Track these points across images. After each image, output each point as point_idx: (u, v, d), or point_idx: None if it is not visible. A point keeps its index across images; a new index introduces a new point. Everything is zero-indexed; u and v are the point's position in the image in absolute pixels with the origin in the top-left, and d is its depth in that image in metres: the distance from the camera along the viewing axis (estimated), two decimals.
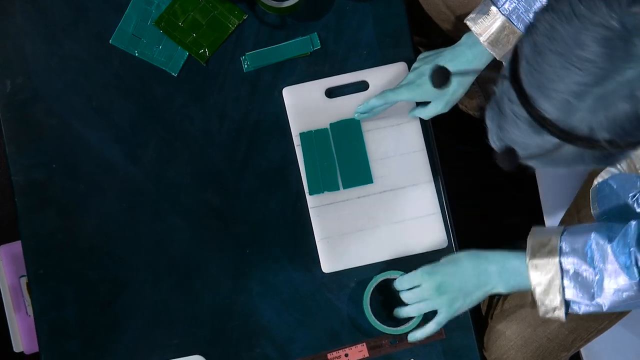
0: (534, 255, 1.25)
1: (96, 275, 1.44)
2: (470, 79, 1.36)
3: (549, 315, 1.27)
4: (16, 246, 1.73)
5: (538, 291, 1.26)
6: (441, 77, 0.93)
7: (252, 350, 1.43)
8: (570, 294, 1.24)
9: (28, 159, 1.45)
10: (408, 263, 1.43)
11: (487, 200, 1.78)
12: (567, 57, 0.88)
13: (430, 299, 1.34)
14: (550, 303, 1.25)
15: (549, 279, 1.24)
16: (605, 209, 1.34)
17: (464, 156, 1.96)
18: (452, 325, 1.42)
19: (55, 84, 1.46)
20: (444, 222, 1.44)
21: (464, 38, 1.37)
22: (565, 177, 1.60)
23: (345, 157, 1.44)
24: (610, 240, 1.22)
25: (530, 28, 0.92)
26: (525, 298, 1.47)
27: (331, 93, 1.46)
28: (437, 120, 1.50)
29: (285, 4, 1.43)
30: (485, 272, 1.30)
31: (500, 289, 1.31)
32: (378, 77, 1.45)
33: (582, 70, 0.87)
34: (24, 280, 1.74)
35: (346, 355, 1.42)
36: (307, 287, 1.43)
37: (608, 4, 0.87)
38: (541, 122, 0.91)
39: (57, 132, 1.46)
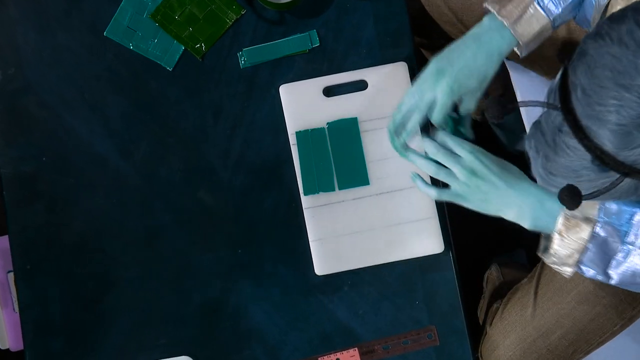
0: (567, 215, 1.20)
1: (84, 271, 1.41)
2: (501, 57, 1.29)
3: (555, 266, 1.23)
4: (4, 241, 1.70)
5: (557, 241, 1.21)
6: (499, 110, 0.92)
7: (242, 352, 1.40)
8: (587, 257, 1.20)
9: (17, 152, 1.43)
10: (403, 267, 1.41)
11: None
12: (629, 89, 0.85)
13: (454, 174, 1.29)
14: (566, 259, 1.21)
15: (575, 238, 1.19)
16: None
17: None
18: (447, 331, 1.39)
19: (47, 75, 1.44)
20: (440, 226, 1.41)
21: (486, 21, 1.29)
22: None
23: (341, 157, 1.42)
24: None
25: (583, 55, 0.89)
26: (526, 307, 1.45)
27: (329, 92, 1.43)
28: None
29: (285, 0, 1.41)
30: (519, 197, 1.25)
31: (525, 223, 1.25)
32: (377, 76, 1.43)
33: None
34: (11, 276, 1.71)
35: (337, 359, 1.40)
36: (299, 289, 1.41)
37: None
38: (599, 156, 0.88)
39: (48, 125, 1.43)
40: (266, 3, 1.42)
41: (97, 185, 1.42)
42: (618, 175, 0.90)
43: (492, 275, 1.69)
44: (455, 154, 1.29)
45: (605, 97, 0.86)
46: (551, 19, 1.25)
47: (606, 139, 0.87)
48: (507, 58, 1.55)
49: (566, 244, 1.20)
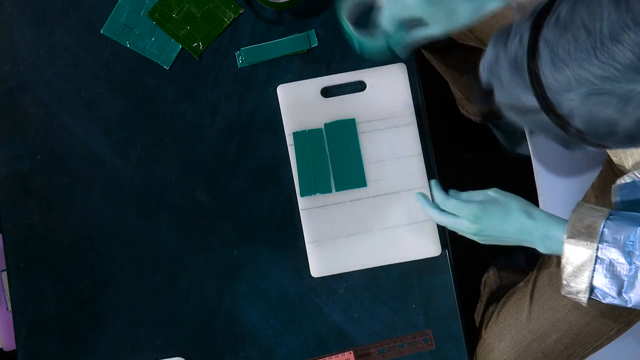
0: (572, 235, 1.21)
1: (78, 271, 1.40)
2: (486, 9, 1.22)
3: (571, 296, 1.23)
4: None
5: (567, 271, 1.21)
6: (486, 97, 0.92)
7: (237, 354, 1.39)
8: (599, 281, 1.19)
9: (12, 150, 1.42)
10: (401, 269, 1.40)
11: None
12: (595, 43, 0.85)
13: (464, 232, 1.30)
14: (577, 286, 1.21)
15: (581, 262, 1.20)
16: (626, 199, 1.29)
17: (462, 163, 1.93)
18: (444, 335, 1.38)
19: (43, 73, 1.43)
20: (438, 229, 1.40)
21: None
22: (567, 193, 1.57)
23: (339, 158, 1.40)
24: None
25: None
26: (521, 311, 1.43)
27: (327, 92, 1.42)
28: (436, 124, 1.47)
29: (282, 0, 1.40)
30: (527, 233, 1.26)
31: (540, 250, 1.27)
32: (376, 77, 1.41)
33: (601, 63, 0.85)
34: (4, 275, 1.70)
35: None
36: (295, 291, 1.40)
37: None
38: (533, 80, 0.89)
39: (43, 123, 1.42)
40: (265, 2, 1.41)
41: (93, 184, 1.41)
42: (536, 105, 0.90)
43: (490, 278, 1.68)
44: (463, 202, 1.30)
45: (570, 36, 0.86)
46: None
47: (548, 72, 0.88)
48: None
49: (574, 271, 1.20)
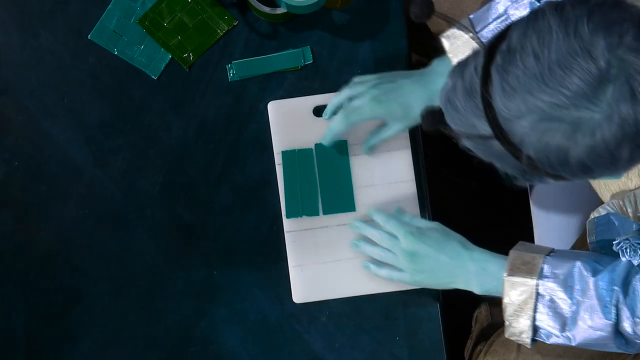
0: (512, 272, 1.19)
1: (50, 284, 1.36)
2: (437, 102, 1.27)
3: (514, 338, 1.21)
4: None
5: (509, 311, 1.20)
6: (424, 9, 0.91)
7: None
8: (541, 320, 1.18)
9: None
10: (386, 299, 1.35)
11: (478, 241, 1.73)
12: (543, 70, 0.86)
13: (398, 257, 1.29)
14: (519, 325, 1.20)
15: (522, 300, 1.18)
16: (602, 239, 1.26)
17: (456, 190, 1.89)
18: None
19: (26, 77, 1.39)
20: None
21: (435, 65, 1.29)
22: (563, 228, 1.53)
23: (328, 180, 1.36)
24: (594, 274, 1.15)
25: (533, 15, 0.89)
26: (509, 352, 1.39)
27: (319, 111, 1.38)
28: (432, 149, 1.44)
29: (279, 11, 1.36)
30: (462, 268, 1.26)
31: (475, 289, 1.26)
32: None
33: (550, 89, 0.86)
34: None
35: None
36: (275, 317, 1.36)
37: (608, 39, 0.85)
38: (486, 108, 0.89)
39: (23, 129, 1.38)
40: (260, 13, 1.37)
41: (71, 195, 1.37)
42: (490, 133, 0.90)
43: (482, 314, 1.63)
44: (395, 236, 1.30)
45: (521, 64, 0.87)
46: None
47: (499, 100, 0.88)
48: None
49: (516, 311, 1.19)
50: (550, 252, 1.20)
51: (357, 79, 1.31)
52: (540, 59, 0.86)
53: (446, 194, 1.84)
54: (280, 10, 1.36)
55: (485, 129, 0.90)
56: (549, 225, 1.54)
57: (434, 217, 1.38)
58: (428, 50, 1.55)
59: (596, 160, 0.87)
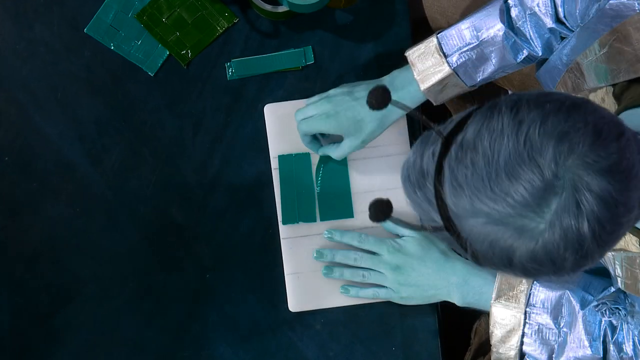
0: (499, 296, 1.20)
1: (38, 283, 1.33)
2: (392, 120, 1.26)
3: None
4: None
5: (496, 336, 1.20)
6: (380, 98, 0.87)
7: None
8: (529, 348, 1.19)
9: None
10: (382, 309, 1.32)
11: None
12: (490, 173, 0.82)
13: (384, 274, 1.28)
14: (506, 352, 1.20)
15: (509, 327, 1.19)
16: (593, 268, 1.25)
17: None
18: None
19: (19, 69, 1.35)
20: None
21: (396, 72, 1.26)
22: None
23: (325, 186, 1.33)
24: (583, 306, 1.16)
25: (490, 110, 0.85)
26: None
27: None
28: None
29: (281, 9, 1.33)
30: (444, 279, 1.26)
31: (456, 300, 1.26)
32: None
33: (495, 195, 0.82)
34: None
35: None
36: (268, 323, 1.33)
37: (558, 148, 0.81)
38: (437, 199, 0.86)
39: (15, 123, 1.35)
40: (261, 11, 1.34)
41: (61, 192, 1.34)
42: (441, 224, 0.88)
43: (481, 327, 1.60)
44: (375, 253, 1.29)
45: (471, 164, 0.84)
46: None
47: (450, 196, 0.85)
48: None
49: (503, 337, 1.19)
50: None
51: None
52: (489, 162, 0.82)
53: None
54: (282, 9, 1.33)
55: (437, 218, 0.88)
56: None
57: None
58: None
59: (538, 266, 0.84)
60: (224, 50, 1.36)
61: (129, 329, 1.32)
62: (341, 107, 1.25)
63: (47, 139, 1.34)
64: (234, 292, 1.33)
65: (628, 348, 1.14)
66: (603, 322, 1.15)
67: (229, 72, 1.36)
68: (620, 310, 1.14)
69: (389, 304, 1.32)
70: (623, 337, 1.14)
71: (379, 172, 1.34)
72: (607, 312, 1.15)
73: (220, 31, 1.36)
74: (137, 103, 1.36)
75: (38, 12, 1.36)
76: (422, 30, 1.47)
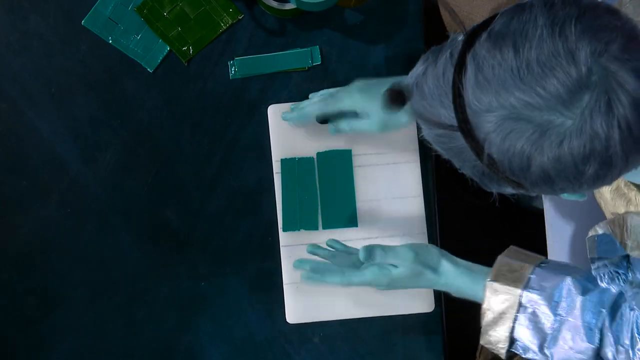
0: (496, 278, 1.17)
1: (26, 286, 1.31)
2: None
3: (489, 347, 1.19)
4: None
5: (487, 318, 1.18)
6: (396, 97, 0.89)
7: None
8: (520, 333, 1.16)
9: None
10: (384, 324, 1.30)
11: (489, 264, 1.71)
12: (521, 66, 0.82)
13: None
14: (496, 334, 1.18)
15: (503, 308, 1.16)
16: (603, 256, 1.23)
17: (467, 209, 1.83)
18: None
19: (12, 63, 1.33)
20: None
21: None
22: (578, 253, 1.47)
23: (329, 193, 1.30)
24: (584, 293, 1.14)
25: (521, 6, 0.86)
26: None
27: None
28: (443, 162, 1.36)
29: (288, 7, 1.30)
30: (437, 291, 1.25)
31: (451, 291, 1.23)
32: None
33: (525, 86, 0.82)
34: None
35: None
36: (264, 335, 1.30)
37: (593, 45, 0.81)
38: (455, 97, 0.85)
39: (6, 118, 1.32)
40: (268, 8, 1.32)
41: (52, 192, 1.32)
42: (454, 124, 0.87)
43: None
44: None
45: (500, 57, 0.84)
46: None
47: (470, 90, 0.85)
48: None
49: (495, 318, 1.17)
50: (541, 263, 1.18)
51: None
52: (519, 53, 0.82)
53: (457, 213, 1.78)
54: (289, 6, 1.30)
55: (450, 119, 0.87)
56: (565, 250, 1.48)
57: (441, 237, 1.33)
58: None
59: (560, 171, 0.84)
60: (227, 48, 1.34)
61: (118, 336, 1.31)
62: (375, 85, 1.24)
63: (39, 135, 1.33)
64: (229, 301, 1.31)
65: (626, 339, 1.12)
66: (602, 311, 1.12)
67: (231, 71, 1.33)
68: (620, 275, 1.13)
69: (391, 321, 1.30)
70: (622, 327, 1.12)
71: (386, 180, 1.31)
72: (606, 277, 1.13)
73: (224, 27, 1.34)
74: (134, 100, 1.33)
75: (33, 3, 1.34)
76: (437, 26, 1.43)
